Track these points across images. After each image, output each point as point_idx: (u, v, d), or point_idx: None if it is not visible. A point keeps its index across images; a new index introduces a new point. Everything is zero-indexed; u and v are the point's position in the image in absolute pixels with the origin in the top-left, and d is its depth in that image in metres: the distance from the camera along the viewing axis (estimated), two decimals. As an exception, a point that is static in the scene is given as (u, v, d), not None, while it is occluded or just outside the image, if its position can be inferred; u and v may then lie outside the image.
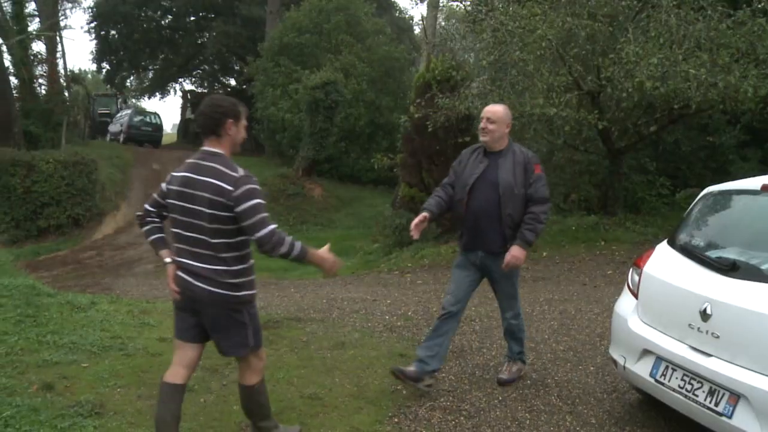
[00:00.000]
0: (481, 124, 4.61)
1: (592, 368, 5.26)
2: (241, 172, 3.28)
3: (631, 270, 4.38)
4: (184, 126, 37.81)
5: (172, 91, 41.72)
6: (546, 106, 9.91)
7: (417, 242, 12.07)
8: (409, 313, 7.07)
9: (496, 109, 4.67)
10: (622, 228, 11.56)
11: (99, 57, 37.83)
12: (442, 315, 4.75)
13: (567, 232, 11.43)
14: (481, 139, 4.62)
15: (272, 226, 3.30)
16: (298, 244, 3.37)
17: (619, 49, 9.57)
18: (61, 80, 27.29)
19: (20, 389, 4.59)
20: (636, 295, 4.15)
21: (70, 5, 35.76)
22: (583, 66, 10.57)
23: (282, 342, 6.04)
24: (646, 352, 3.86)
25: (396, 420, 4.27)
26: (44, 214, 17.75)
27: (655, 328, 3.87)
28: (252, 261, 3.50)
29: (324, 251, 3.52)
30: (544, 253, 10.55)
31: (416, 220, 4.58)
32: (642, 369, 3.87)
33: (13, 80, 23.01)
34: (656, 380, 3.73)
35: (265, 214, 3.30)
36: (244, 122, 3.43)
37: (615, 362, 4.24)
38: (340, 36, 23.81)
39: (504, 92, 10.69)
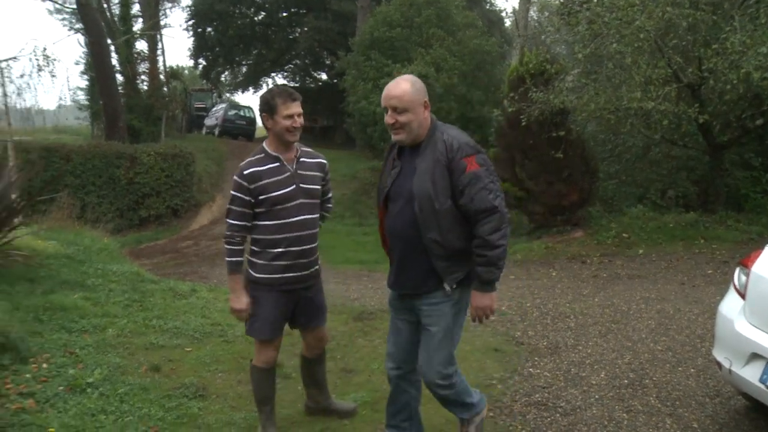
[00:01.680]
0: (387, 118, 3.25)
1: (692, 370, 5.11)
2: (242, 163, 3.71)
3: (737, 270, 4.16)
4: (277, 118, 38.53)
5: (264, 85, 42.57)
6: (644, 99, 9.66)
7: (510, 237, 12.00)
8: (503, 308, 7.04)
9: (402, 90, 3.18)
10: (723, 226, 11.11)
11: (196, 53, 39.04)
12: (390, 381, 3.70)
13: (664, 229, 11.08)
14: (394, 138, 3.29)
15: (228, 225, 3.70)
16: (232, 260, 3.67)
17: (724, 38, 9.21)
18: (161, 76, 28.33)
19: (131, 369, 4.87)
20: (743, 296, 3.97)
21: (170, 5, 37.10)
22: (683, 57, 10.24)
23: (376, 333, 6.14)
24: (755, 356, 3.70)
25: (491, 414, 4.28)
26: (145, 205, 18.51)
27: (765, 332, 3.72)
28: (275, 250, 3.66)
29: (241, 299, 3.69)
30: (641, 251, 10.28)
31: None
32: (750, 374, 3.71)
33: (119, 77, 24.04)
34: (767, 386, 3.59)
35: (229, 209, 3.70)
36: (282, 114, 3.58)
37: (719, 365, 4.04)
38: (431, 30, 23.73)
39: (599, 85, 10.47)
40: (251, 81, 42.07)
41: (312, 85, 40.02)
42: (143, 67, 26.90)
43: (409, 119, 3.18)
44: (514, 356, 5.46)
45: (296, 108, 3.64)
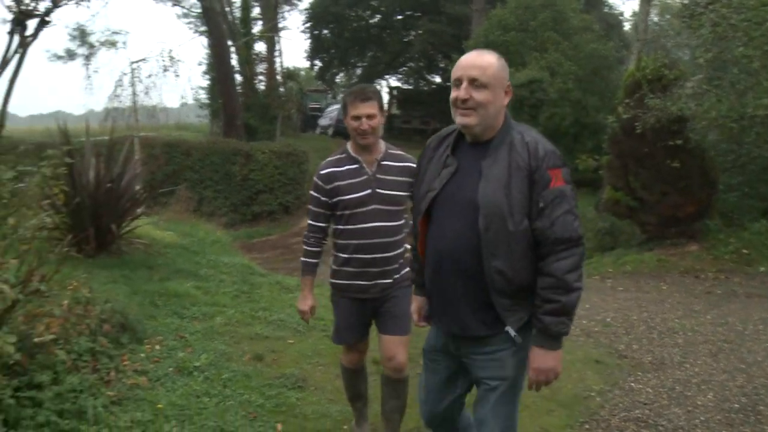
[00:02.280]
0: (459, 92, 2.50)
1: (815, 399, 4.76)
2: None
3: None
4: (389, 121, 39.00)
5: (378, 87, 43.18)
6: (771, 107, 9.14)
7: (619, 248, 11.63)
8: (608, 320, 6.84)
9: (488, 62, 2.51)
10: None
11: (312, 55, 39.97)
12: None
13: (790, 246, 10.45)
14: (461, 121, 2.54)
15: (307, 225, 3.66)
16: (303, 261, 3.63)
17: None
18: (278, 77, 29.20)
19: (236, 357, 5.07)
20: None
21: (288, 8, 38.18)
22: (818, 63, 9.60)
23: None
24: None
25: (587, 427, 4.20)
26: (258, 201, 19.15)
27: None
28: (343, 255, 3.52)
29: (306, 301, 3.64)
30: (762, 269, 9.71)
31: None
32: None
33: (238, 77, 24.99)
34: None
35: (308, 209, 3.67)
36: (350, 114, 3.39)
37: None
38: (546, 33, 23.33)
39: (722, 92, 9.97)
40: (365, 82, 42.61)
41: (425, 88, 40.15)
42: (261, 67, 27.83)
43: (488, 99, 2.45)
44: (615, 369, 5.31)
45: (365, 109, 3.34)
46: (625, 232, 12.01)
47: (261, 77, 27.53)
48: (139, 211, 7.79)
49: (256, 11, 30.58)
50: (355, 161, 3.44)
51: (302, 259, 3.62)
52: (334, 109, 33.81)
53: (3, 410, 3.22)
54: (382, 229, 3.40)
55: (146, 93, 14.17)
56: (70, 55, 29.04)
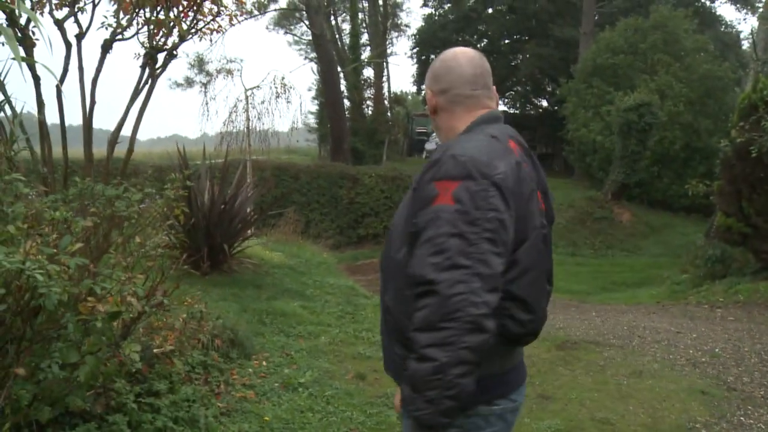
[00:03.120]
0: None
1: None
2: None
3: None
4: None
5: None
6: None
7: (731, 276, 11.15)
8: (717, 350, 6.59)
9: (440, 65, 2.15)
10: None
11: (419, 80, 40.38)
12: None
13: None
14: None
15: None
16: None
17: None
18: (385, 102, 29.74)
19: (339, 375, 5.24)
20: None
21: (396, 34, 38.92)
22: None
23: (578, 363, 6.05)
24: None
25: (692, 460, 4.08)
26: (364, 224, 19.52)
27: None
28: None
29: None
30: None
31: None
32: None
33: (346, 102, 25.65)
34: None
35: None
36: None
37: None
38: (657, 55, 22.75)
39: None
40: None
41: (532, 112, 39.83)
42: (369, 92, 28.42)
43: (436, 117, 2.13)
44: (723, 402, 5.11)
45: None
46: (738, 260, 11.49)
47: (369, 102, 28.13)
48: (249, 232, 8.15)
49: (364, 38, 31.35)
50: None
51: None
52: (439, 134, 33.98)
53: (127, 413, 3.49)
54: None
55: (259, 118, 14.79)
56: (189, 82, 30.63)
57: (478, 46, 38.95)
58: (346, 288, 8.32)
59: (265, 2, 20.93)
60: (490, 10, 36.35)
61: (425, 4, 38.42)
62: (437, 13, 38.11)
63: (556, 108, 29.24)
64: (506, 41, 38.42)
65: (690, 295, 10.78)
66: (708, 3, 32.72)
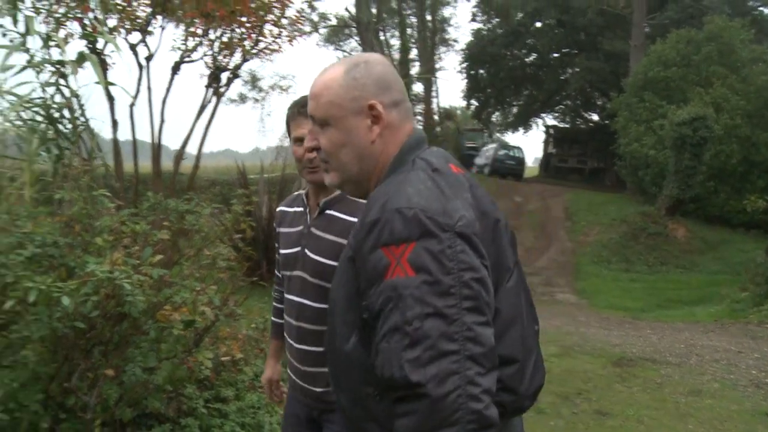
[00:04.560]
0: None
1: None
2: None
3: None
4: (546, 160, 38.72)
5: (534, 125, 42.96)
6: None
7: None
8: (781, 370, 6.51)
9: (319, 83, 1.63)
10: None
11: (468, 94, 40.49)
12: None
13: None
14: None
15: None
16: (272, 323, 2.73)
17: None
18: (435, 117, 29.89)
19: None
20: None
21: (444, 49, 39.12)
22: None
23: (635, 381, 6.05)
24: None
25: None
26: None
27: None
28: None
29: (266, 370, 2.69)
30: None
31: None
32: None
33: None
34: None
35: None
36: (292, 135, 2.41)
37: None
38: (711, 67, 22.34)
39: None
40: (521, 121, 42.65)
41: (582, 126, 39.55)
42: (419, 108, 28.61)
43: (334, 141, 1.61)
44: (789, 423, 5.06)
45: (308, 127, 1.83)
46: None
47: (419, 117, 28.30)
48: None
49: (413, 53, 31.62)
50: (302, 202, 2.41)
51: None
52: (490, 148, 34.07)
53: (198, 417, 3.65)
54: (310, 311, 2.24)
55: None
56: (242, 98, 31.22)
57: (527, 60, 38.95)
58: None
59: (317, 20, 21.25)
60: (538, 24, 36.26)
61: (474, 19, 38.62)
62: (486, 27, 38.19)
63: (606, 122, 28.98)
64: (555, 55, 38.24)
65: (751, 314, 10.58)
66: (766, 11, 32.07)
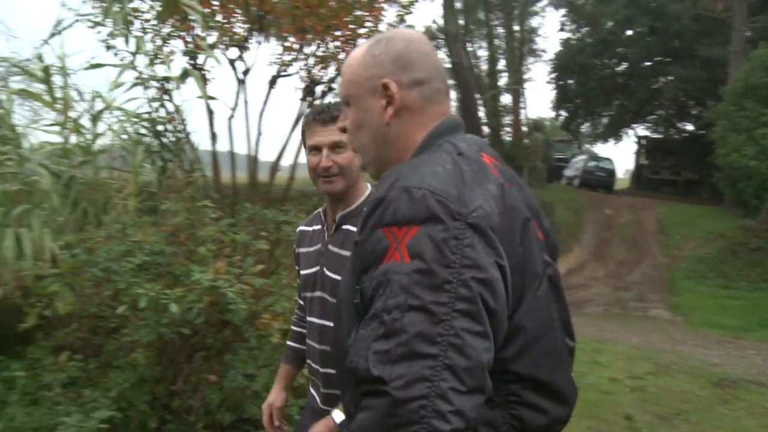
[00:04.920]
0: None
1: None
2: None
3: None
4: (637, 172, 37.63)
5: (625, 136, 41.88)
6: None
7: None
8: None
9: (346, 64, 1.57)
10: None
11: (557, 105, 39.87)
12: None
13: None
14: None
15: None
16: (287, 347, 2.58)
17: None
18: (523, 128, 29.58)
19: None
20: None
21: (533, 60, 38.63)
22: None
23: (739, 404, 5.81)
24: None
25: None
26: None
27: None
28: None
29: (270, 396, 2.52)
30: None
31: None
32: None
33: (485, 129, 25.76)
34: None
35: None
36: (307, 144, 2.29)
37: None
38: (819, 72, 21.29)
39: None
40: (612, 132, 41.63)
41: (676, 137, 38.24)
42: (507, 119, 28.38)
43: (353, 123, 1.55)
44: None
45: (327, 135, 2.12)
46: None
47: (507, 128, 28.08)
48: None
49: (501, 64, 31.39)
50: (321, 220, 2.32)
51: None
52: (579, 160, 33.42)
53: (292, 423, 3.73)
54: (328, 332, 2.08)
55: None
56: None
57: (617, 69, 38.06)
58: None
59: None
60: (629, 32, 35.36)
61: (562, 29, 37.94)
62: (575, 37, 37.54)
63: (702, 132, 27.97)
64: (647, 63, 37.19)
65: None
66: None
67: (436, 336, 1.12)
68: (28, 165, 4.85)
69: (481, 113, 25.95)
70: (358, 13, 7.16)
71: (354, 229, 2.05)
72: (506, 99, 30.60)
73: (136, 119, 5.13)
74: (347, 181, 2.13)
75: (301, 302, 2.41)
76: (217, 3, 6.91)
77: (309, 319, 2.24)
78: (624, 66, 37.98)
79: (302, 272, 2.29)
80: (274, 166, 5.58)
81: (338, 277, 2.02)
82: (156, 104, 5.11)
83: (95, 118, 5.24)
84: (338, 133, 1.79)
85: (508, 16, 33.37)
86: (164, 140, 5.06)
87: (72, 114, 5.23)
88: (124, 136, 5.22)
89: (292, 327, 2.51)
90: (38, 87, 5.18)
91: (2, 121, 4.87)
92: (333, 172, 2.09)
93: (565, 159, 35.27)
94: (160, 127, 5.06)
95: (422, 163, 1.31)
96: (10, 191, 4.78)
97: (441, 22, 25.46)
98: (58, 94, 5.08)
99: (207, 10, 5.78)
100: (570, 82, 38.28)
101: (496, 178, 1.35)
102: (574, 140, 40.67)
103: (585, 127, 44.11)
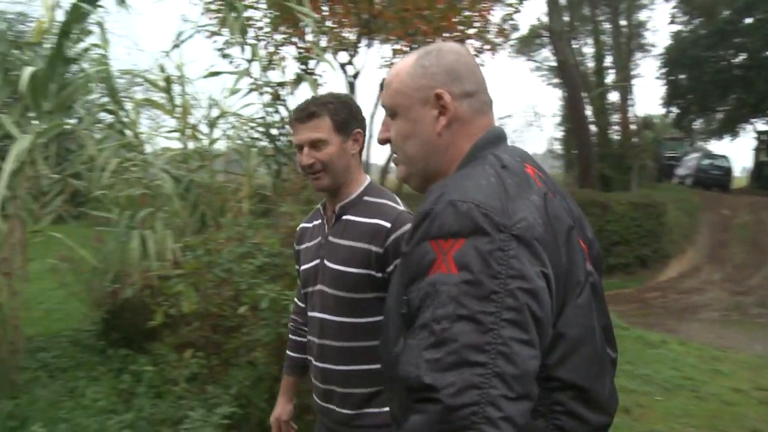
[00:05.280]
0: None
1: None
2: None
3: None
4: (757, 169, 35.70)
5: (742, 132, 39.82)
6: None
7: None
8: None
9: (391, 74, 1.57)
10: None
11: (668, 101, 38.39)
12: None
13: None
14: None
15: None
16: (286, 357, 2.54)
17: None
18: (632, 126, 28.67)
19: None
20: None
21: (641, 55, 37.39)
22: None
23: None
24: None
25: None
26: (613, 253, 18.80)
27: None
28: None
29: (276, 409, 2.48)
30: None
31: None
32: None
33: (592, 128, 25.11)
34: None
35: None
36: (294, 142, 2.31)
37: None
38: None
39: None
40: (727, 128, 39.64)
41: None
42: (615, 117, 27.57)
43: (400, 133, 1.55)
44: None
45: (306, 132, 2.14)
46: None
47: (615, 127, 27.29)
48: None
49: (608, 60, 30.54)
50: (321, 214, 2.30)
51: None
52: (692, 158, 32.10)
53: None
54: (330, 327, 2.13)
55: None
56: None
57: (734, 61, 36.22)
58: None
59: (509, 31, 21.36)
60: (749, 20, 33.59)
61: (673, 21, 36.51)
62: (687, 29, 36.02)
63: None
64: (768, 54, 35.28)
65: None
66: None
67: (484, 345, 1.15)
68: (151, 170, 5.10)
69: (588, 112, 25.29)
70: (467, 13, 7.12)
71: (354, 218, 2.11)
72: (614, 97, 29.75)
73: (251, 124, 5.30)
74: (332, 176, 2.13)
75: (301, 304, 2.42)
76: (326, 8, 7.06)
77: (310, 314, 2.22)
78: (742, 57, 36.10)
79: (302, 267, 2.28)
80: (385, 168, 5.62)
81: (338, 267, 2.08)
82: (270, 109, 5.28)
83: (212, 123, 5.45)
84: (318, 130, 2.05)
85: (614, 10, 32.44)
86: (278, 144, 5.20)
87: (190, 120, 5.47)
88: (239, 141, 5.40)
89: (290, 336, 2.49)
90: (159, 96, 5.44)
91: (129, 128, 5.14)
92: (316, 168, 2.11)
93: (677, 157, 33.89)
94: (274, 132, 5.21)
95: (467, 176, 1.35)
96: (136, 195, 5.04)
97: (545, 19, 25.01)
98: (178, 101, 5.32)
99: (317, 16, 5.92)
100: (681, 76, 36.76)
101: (539, 188, 1.37)
102: (686, 137, 38.98)
103: (698, 124, 42.26)
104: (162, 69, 5.26)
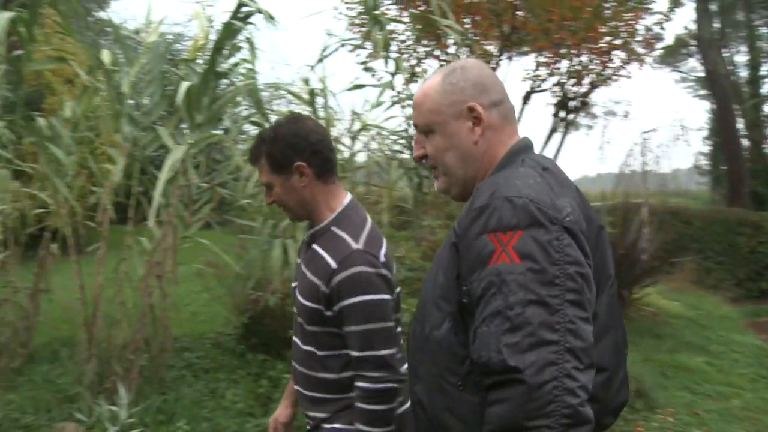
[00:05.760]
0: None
1: None
2: None
3: None
4: None
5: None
6: None
7: None
8: None
9: (421, 92, 1.67)
10: None
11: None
12: None
13: None
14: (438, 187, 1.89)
15: None
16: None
17: None
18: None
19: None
20: None
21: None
22: None
23: None
24: None
25: None
26: (766, 277, 17.59)
27: None
28: None
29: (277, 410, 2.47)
30: None
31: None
32: None
33: (744, 142, 23.59)
34: None
35: None
36: None
37: None
38: None
39: None
40: None
41: None
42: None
43: (439, 147, 1.64)
44: None
45: (259, 175, 2.20)
46: None
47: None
48: (649, 280, 7.92)
49: (764, 69, 28.57)
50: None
51: None
52: None
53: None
54: (298, 351, 2.18)
55: (657, 162, 14.42)
56: (576, 126, 30.87)
57: None
58: (755, 347, 7.57)
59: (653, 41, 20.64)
60: None
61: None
62: None
63: None
64: None
65: None
66: None
67: (555, 324, 1.27)
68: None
69: (740, 125, 23.76)
70: (614, 23, 6.86)
71: (318, 249, 2.07)
72: (770, 108, 27.79)
73: (393, 137, 5.32)
74: (292, 212, 2.17)
75: None
76: (468, 21, 7.01)
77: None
78: None
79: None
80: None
81: (299, 297, 2.10)
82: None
83: (354, 136, 5.52)
84: (262, 173, 2.12)
85: (773, 15, 30.41)
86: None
87: (333, 132, 5.56)
88: (380, 154, 5.43)
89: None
90: (303, 108, 5.57)
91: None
92: (279, 205, 2.17)
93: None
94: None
95: (513, 176, 1.46)
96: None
97: (693, 27, 23.78)
98: (321, 114, 5.42)
99: (462, 29, 5.86)
100: None
101: (575, 191, 1.51)
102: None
103: None
104: (306, 82, 5.37)
